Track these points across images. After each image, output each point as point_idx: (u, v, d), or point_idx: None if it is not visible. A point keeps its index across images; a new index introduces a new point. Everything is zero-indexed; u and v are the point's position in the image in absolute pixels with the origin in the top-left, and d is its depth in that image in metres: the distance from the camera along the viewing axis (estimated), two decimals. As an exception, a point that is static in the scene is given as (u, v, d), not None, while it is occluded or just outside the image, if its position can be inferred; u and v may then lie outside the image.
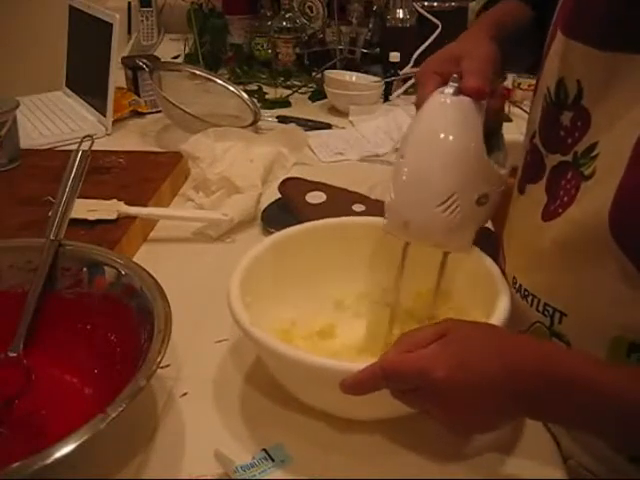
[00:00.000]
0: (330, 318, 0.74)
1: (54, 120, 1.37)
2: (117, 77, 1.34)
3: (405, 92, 1.45)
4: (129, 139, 1.30)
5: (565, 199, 0.62)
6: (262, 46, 1.67)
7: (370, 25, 1.60)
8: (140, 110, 1.40)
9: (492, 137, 0.70)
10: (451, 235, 0.65)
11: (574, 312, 0.63)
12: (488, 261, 0.68)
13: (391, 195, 0.66)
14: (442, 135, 0.63)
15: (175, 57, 1.69)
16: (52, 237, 0.71)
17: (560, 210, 0.62)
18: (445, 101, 0.64)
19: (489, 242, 0.84)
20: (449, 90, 0.64)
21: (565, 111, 0.63)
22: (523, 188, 0.70)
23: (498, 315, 0.60)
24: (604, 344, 0.61)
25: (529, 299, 0.68)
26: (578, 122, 0.62)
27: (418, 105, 0.68)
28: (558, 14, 0.67)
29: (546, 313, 0.66)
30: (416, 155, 0.65)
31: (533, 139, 0.69)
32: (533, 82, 1.48)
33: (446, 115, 0.64)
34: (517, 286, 0.70)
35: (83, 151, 0.76)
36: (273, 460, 0.59)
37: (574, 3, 0.63)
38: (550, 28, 0.68)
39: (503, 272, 0.74)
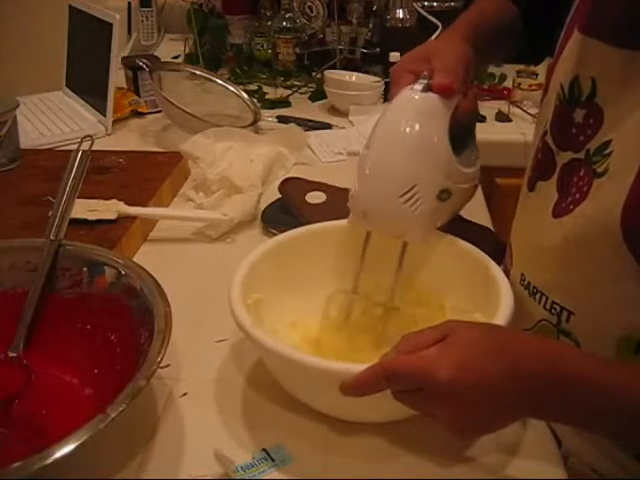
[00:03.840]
0: (333, 320, 0.73)
1: (54, 120, 1.37)
2: (117, 77, 1.34)
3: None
4: (129, 139, 1.31)
5: (577, 196, 0.62)
6: (262, 46, 1.67)
7: (370, 25, 1.60)
8: (140, 110, 1.40)
9: (463, 137, 0.71)
10: (410, 226, 0.67)
11: (582, 310, 0.63)
12: (489, 261, 0.68)
13: (354, 185, 0.68)
14: (406, 128, 0.65)
15: (175, 57, 1.69)
16: (52, 237, 0.71)
17: (572, 207, 0.62)
18: (413, 96, 0.66)
19: (490, 242, 0.84)
20: (418, 86, 0.66)
21: (578, 108, 0.64)
22: (533, 186, 0.71)
23: (501, 315, 0.60)
24: (612, 342, 0.61)
25: (537, 296, 0.68)
26: (591, 119, 0.62)
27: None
28: (575, 13, 0.67)
29: (553, 311, 0.66)
30: (380, 147, 0.66)
31: (544, 137, 0.69)
32: (533, 82, 1.50)
33: (412, 109, 0.66)
34: (525, 283, 0.70)
35: (83, 151, 0.75)
36: (273, 460, 0.59)
37: (593, 1, 0.63)
38: (564, 28, 0.68)
39: (509, 270, 0.74)
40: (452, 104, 0.67)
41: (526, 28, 0.83)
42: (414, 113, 0.66)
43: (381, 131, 0.67)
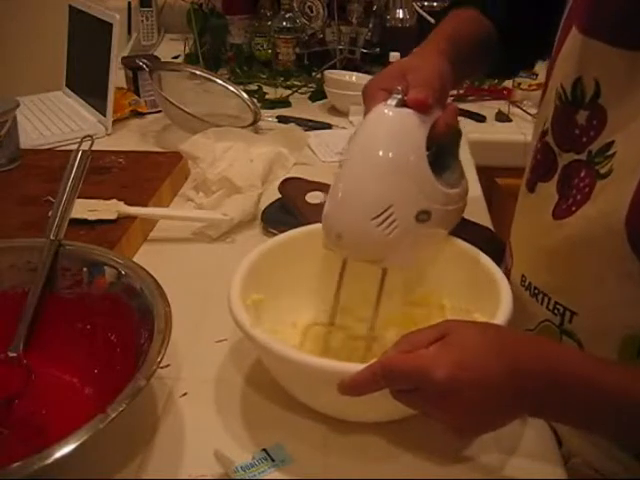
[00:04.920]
0: (339, 336, 0.73)
1: (54, 120, 1.37)
2: (117, 77, 1.34)
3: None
4: (129, 139, 1.30)
5: (578, 197, 0.62)
6: (262, 46, 1.67)
7: (370, 25, 1.60)
8: (140, 110, 1.40)
9: (445, 155, 0.68)
10: (387, 251, 0.63)
11: (585, 310, 0.63)
12: (488, 261, 0.68)
13: (327, 206, 0.64)
14: (380, 146, 0.62)
15: (175, 57, 1.69)
16: (52, 237, 0.71)
17: (573, 208, 0.62)
18: (387, 113, 0.62)
19: (490, 242, 0.84)
20: (391, 102, 0.63)
21: (581, 110, 0.63)
22: (533, 187, 0.70)
23: (500, 315, 0.60)
24: (615, 343, 0.61)
25: (539, 297, 0.68)
26: (594, 121, 0.62)
27: None
28: (571, 12, 0.67)
29: (556, 312, 0.66)
30: (353, 166, 0.63)
31: (544, 138, 0.69)
32: (533, 82, 1.50)
33: (386, 126, 0.63)
34: (526, 284, 0.70)
35: (83, 151, 0.75)
36: (273, 460, 0.59)
37: (592, 1, 0.63)
38: (560, 26, 0.68)
39: (509, 271, 0.74)
40: (429, 120, 0.63)
41: (500, 42, 0.81)
42: (388, 130, 0.62)
43: (353, 150, 0.63)
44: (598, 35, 0.61)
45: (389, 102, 0.63)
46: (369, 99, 0.66)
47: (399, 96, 0.63)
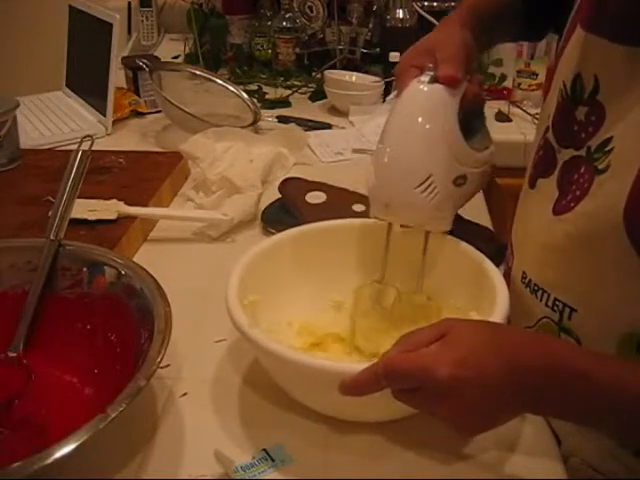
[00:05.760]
0: (329, 320, 0.74)
1: (54, 120, 1.37)
2: (117, 77, 1.34)
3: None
4: (129, 139, 1.31)
5: (577, 193, 0.62)
6: (262, 46, 1.67)
7: (370, 25, 1.59)
8: (140, 110, 1.40)
9: (473, 122, 0.73)
10: (431, 214, 0.68)
11: (584, 307, 0.64)
12: (485, 260, 0.68)
13: (372, 179, 0.68)
14: (418, 121, 0.66)
15: (175, 57, 1.69)
16: (52, 237, 0.71)
17: (573, 204, 0.62)
18: (422, 89, 0.67)
19: (489, 242, 0.84)
20: (424, 79, 0.67)
21: (580, 106, 0.64)
22: (534, 183, 0.71)
23: (497, 313, 0.60)
24: (614, 340, 0.61)
25: (538, 294, 0.68)
26: (592, 117, 0.62)
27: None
28: (577, 9, 0.67)
29: (555, 308, 0.66)
30: (394, 140, 0.67)
31: (546, 134, 0.69)
32: (533, 82, 1.50)
33: (421, 102, 0.67)
34: (526, 281, 0.70)
35: (83, 151, 0.75)
36: (273, 460, 0.59)
37: None
38: (567, 24, 0.68)
39: (511, 268, 0.74)
40: (459, 92, 0.68)
41: (525, 4, 0.83)
42: (423, 105, 0.67)
43: (393, 124, 0.68)
44: (599, 31, 0.62)
45: (422, 79, 0.67)
46: (402, 76, 0.70)
47: (431, 73, 0.67)
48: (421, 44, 0.74)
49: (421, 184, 0.65)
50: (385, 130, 0.68)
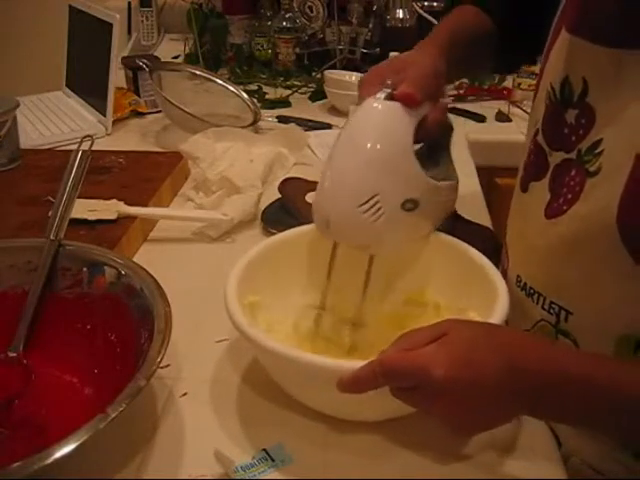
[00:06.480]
0: (328, 319, 0.73)
1: (54, 120, 1.37)
2: (117, 77, 1.34)
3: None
4: (129, 139, 1.30)
5: (569, 196, 0.62)
6: (262, 46, 1.67)
7: (370, 25, 1.59)
8: (140, 110, 1.40)
9: (436, 149, 0.70)
10: (374, 237, 0.65)
11: (580, 310, 0.64)
12: (484, 260, 0.68)
13: (316, 194, 0.67)
14: (366, 137, 0.64)
15: (175, 57, 1.69)
16: (52, 237, 0.71)
17: (565, 207, 0.62)
18: (375, 105, 0.65)
19: (489, 242, 0.84)
20: (380, 95, 0.65)
21: (570, 109, 0.64)
22: (526, 186, 0.71)
23: (496, 314, 0.60)
24: (611, 342, 0.61)
25: (534, 297, 0.68)
26: (582, 119, 0.62)
27: None
28: (562, 14, 0.67)
29: (552, 311, 0.66)
30: (341, 155, 0.65)
31: (536, 137, 0.69)
32: (533, 82, 1.50)
33: (373, 118, 0.65)
34: (521, 284, 0.70)
35: (83, 151, 0.75)
36: (273, 460, 0.59)
37: (580, 1, 0.63)
38: (552, 28, 0.68)
39: (506, 271, 0.74)
40: (418, 114, 0.65)
41: (499, 37, 0.82)
42: (375, 122, 0.65)
43: (341, 140, 0.66)
44: (585, 34, 0.62)
45: (379, 95, 0.65)
46: (363, 91, 0.68)
47: (388, 90, 0.65)
48: (391, 61, 0.73)
49: (365, 202, 0.62)
50: (335, 145, 0.66)
